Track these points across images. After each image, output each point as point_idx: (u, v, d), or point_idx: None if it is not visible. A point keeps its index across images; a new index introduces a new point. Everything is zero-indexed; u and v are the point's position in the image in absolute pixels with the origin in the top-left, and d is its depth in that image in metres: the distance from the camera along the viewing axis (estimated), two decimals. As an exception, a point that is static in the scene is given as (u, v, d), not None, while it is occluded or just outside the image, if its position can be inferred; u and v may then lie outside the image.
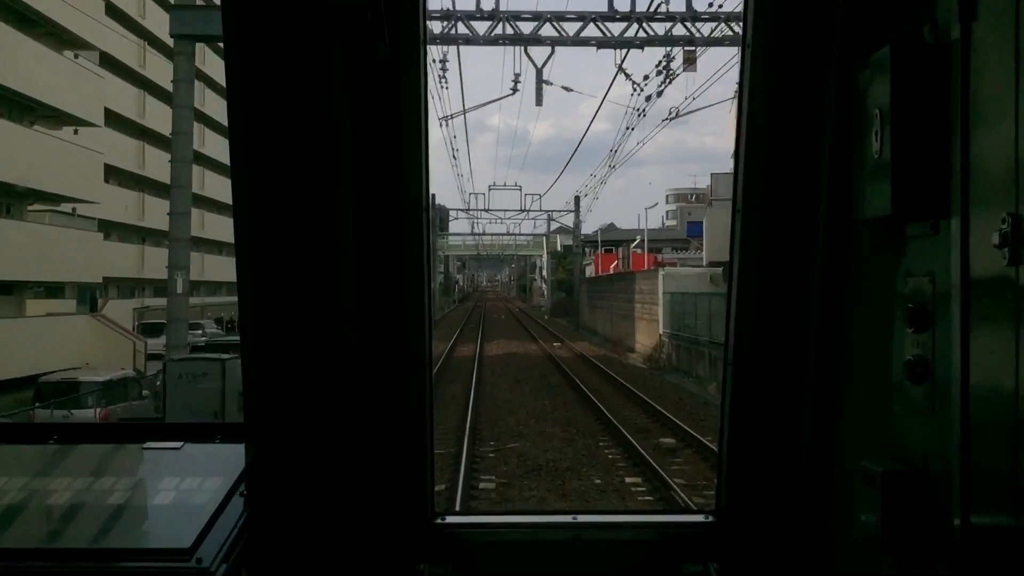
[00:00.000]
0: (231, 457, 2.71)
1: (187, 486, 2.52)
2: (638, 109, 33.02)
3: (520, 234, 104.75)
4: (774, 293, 2.87)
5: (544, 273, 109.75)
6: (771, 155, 2.82)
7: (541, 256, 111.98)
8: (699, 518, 3.08)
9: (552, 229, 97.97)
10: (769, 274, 2.87)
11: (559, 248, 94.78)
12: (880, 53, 2.31)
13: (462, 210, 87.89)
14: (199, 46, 30.70)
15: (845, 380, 2.73)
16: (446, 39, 26.91)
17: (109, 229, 45.97)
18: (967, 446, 1.99)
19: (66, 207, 41.65)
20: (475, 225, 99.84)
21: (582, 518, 3.06)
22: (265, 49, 2.60)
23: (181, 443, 2.77)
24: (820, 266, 2.75)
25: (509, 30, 26.57)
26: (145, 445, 2.77)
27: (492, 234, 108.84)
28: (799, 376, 2.85)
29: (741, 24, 2.87)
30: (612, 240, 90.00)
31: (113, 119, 45.16)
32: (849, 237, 2.66)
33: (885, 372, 2.44)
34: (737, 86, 2.88)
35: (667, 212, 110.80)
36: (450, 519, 3.04)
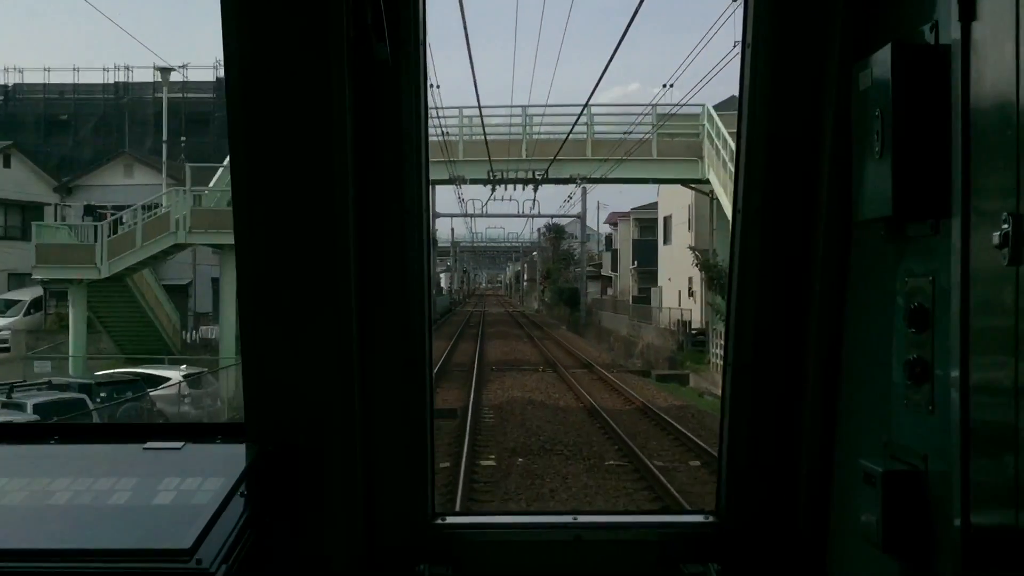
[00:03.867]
0: (231, 457, 2.71)
1: (187, 486, 2.52)
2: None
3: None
4: (774, 294, 2.87)
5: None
6: (771, 155, 2.82)
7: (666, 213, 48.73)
8: (699, 519, 3.07)
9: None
10: (769, 275, 2.86)
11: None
12: (880, 53, 2.30)
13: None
14: None
15: (845, 380, 2.72)
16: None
17: None
18: (967, 446, 1.99)
19: None
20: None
21: (582, 518, 3.06)
22: (265, 49, 2.61)
23: (181, 443, 2.78)
24: (820, 266, 2.75)
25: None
26: (145, 445, 2.77)
27: (516, 164, 40.71)
28: (799, 376, 2.85)
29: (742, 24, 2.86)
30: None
31: None
32: (849, 237, 2.66)
33: (885, 372, 2.43)
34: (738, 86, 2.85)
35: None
36: (450, 520, 3.03)
